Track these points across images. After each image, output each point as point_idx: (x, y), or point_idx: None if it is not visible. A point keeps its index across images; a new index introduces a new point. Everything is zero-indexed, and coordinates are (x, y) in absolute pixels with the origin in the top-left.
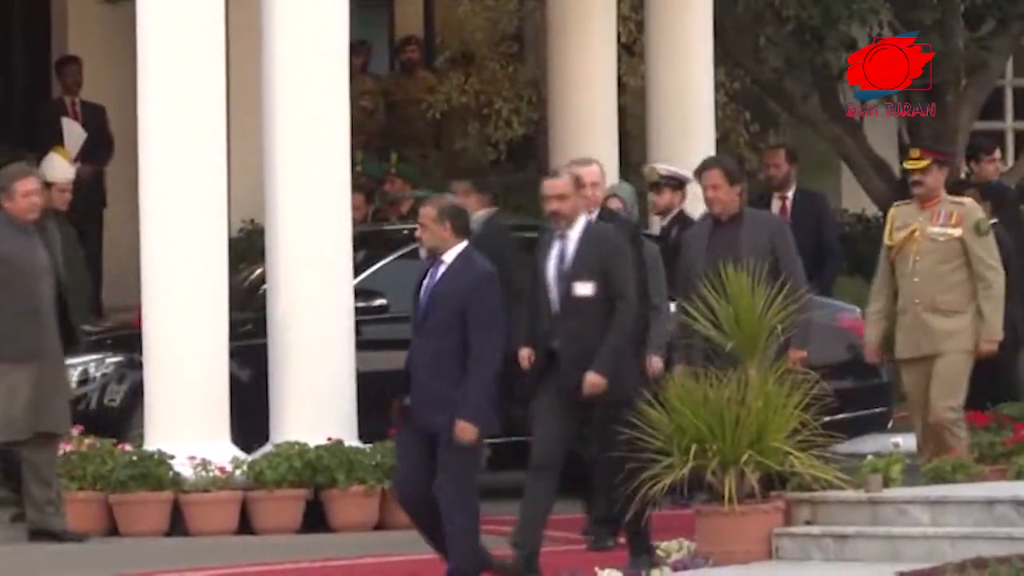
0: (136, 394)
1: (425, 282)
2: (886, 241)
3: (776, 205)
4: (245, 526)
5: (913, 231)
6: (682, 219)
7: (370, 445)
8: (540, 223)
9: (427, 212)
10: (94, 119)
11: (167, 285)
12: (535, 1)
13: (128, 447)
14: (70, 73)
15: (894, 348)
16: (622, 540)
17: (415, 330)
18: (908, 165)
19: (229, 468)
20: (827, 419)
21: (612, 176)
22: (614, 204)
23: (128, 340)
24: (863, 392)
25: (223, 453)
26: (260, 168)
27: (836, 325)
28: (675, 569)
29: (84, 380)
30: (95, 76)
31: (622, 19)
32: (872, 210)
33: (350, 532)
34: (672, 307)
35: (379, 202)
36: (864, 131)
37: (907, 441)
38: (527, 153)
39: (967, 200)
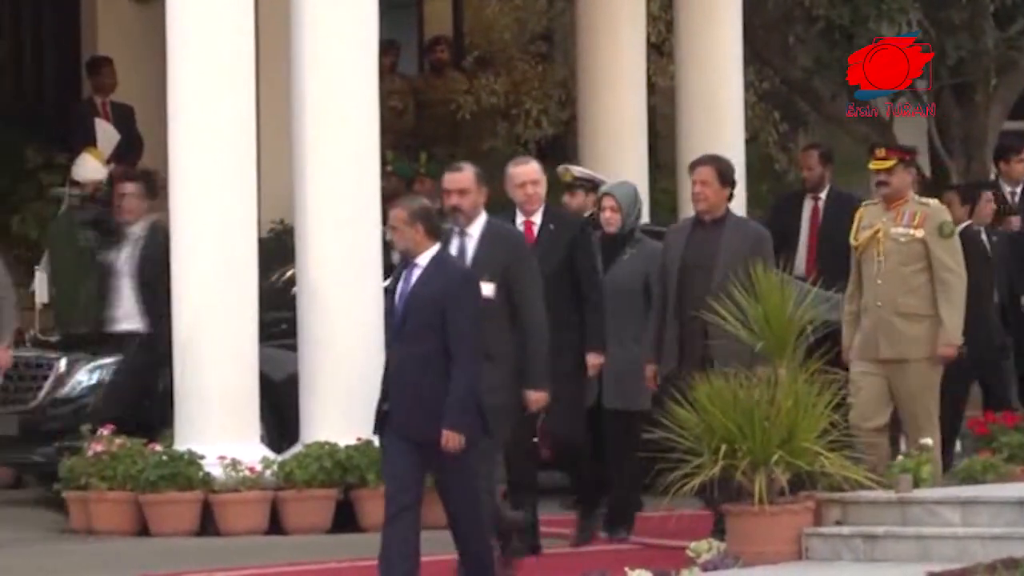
0: (167, 395)
1: (399, 286)
2: (851, 242)
3: (808, 206)
4: (275, 526)
5: (877, 231)
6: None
7: None
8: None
9: (398, 214)
10: (123, 119)
11: (197, 285)
12: (564, 1)
13: (158, 447)
14: (105, 74)
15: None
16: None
17: (394, 336)
18: (873, 165)
19: (259, 468)
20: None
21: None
22: (608, 204)
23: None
24: None
25: (253, 453)
26: (290, 168)
27: None
28: (705, 569)
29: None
30: (123, 76)
31: (652, 19)
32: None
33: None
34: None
35: None
36: (894, 131)
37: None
38: (556, 153)
39: (933, 202)
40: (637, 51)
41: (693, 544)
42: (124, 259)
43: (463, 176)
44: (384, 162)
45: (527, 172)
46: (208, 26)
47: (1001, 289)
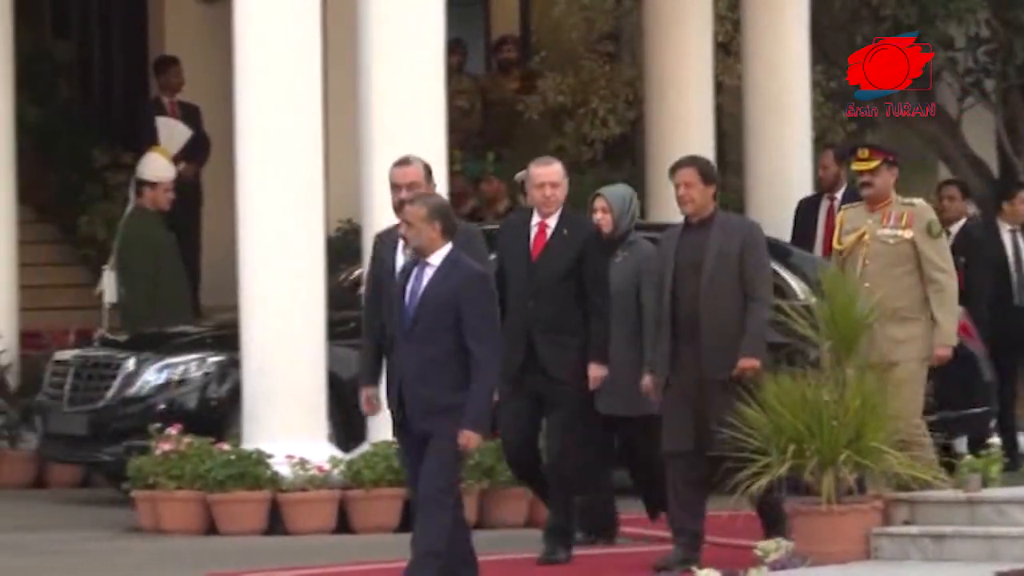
0: (236, 394)
1: (408, 285)
2: (835, 245)
3: (825, 206)
4: (343, 525)
5: (862, 234)
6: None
7: None
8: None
9: (416, 211)
10: (191, 119)
11: (265, 285)
12: (632, 1)
13: (226, 446)
14: (172, 73)
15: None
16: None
17: (401, 335)
18: (856, 166)
19: (327, 467)
20: (927, 418)
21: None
22: (599, 205)
23: (228, 340)
24: (964, 391)
25: (321, 452)
26: (357, 167)
27: None
28: (773, 568)
29: (185, 379)
30: (190, 76)
31: (719, 19)
32: (970, 209)
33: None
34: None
35: (477, 202)
36: (962, 129)
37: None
38: (623, 152)
39: (918, 201)
40: (704, 50)
41: (761, 543)
42: None
43: (411, 169)
44: (452, 161)
45: (548, 173)
46: (275, 25)
47: None
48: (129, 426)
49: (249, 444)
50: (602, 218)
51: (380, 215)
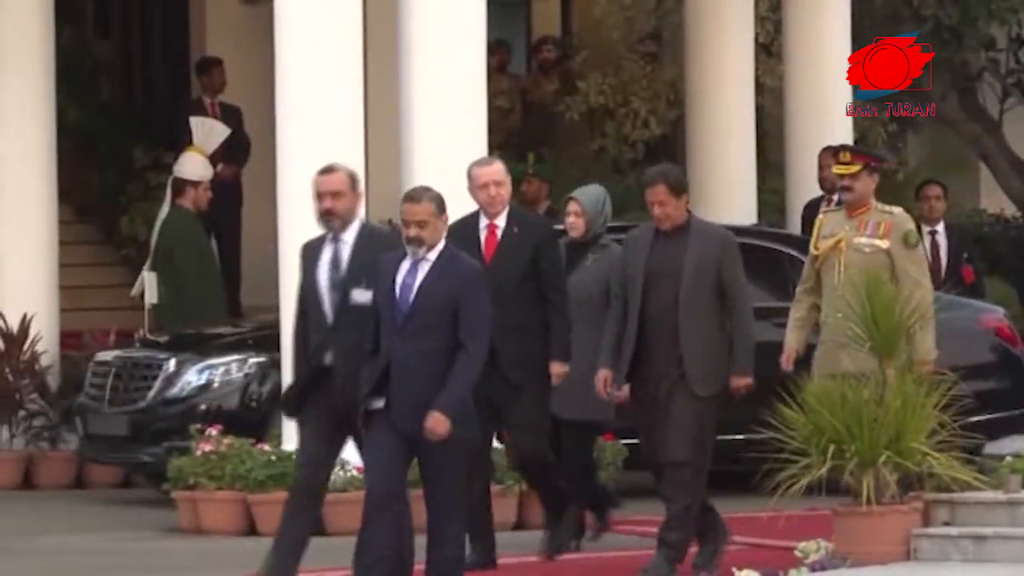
0: (276, 394)
1: (400, 280)
2: (811, 251)
3: (825, 207)
4: None
5: (839, 241)
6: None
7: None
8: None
9: (426, 208)
10: (231, 120)
11: None
12: (673, 0)
13: (267, 447)
14: (215, 74)
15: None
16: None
17: (395, 331)
18: (836, 169)
19: None
20: (967, 420)
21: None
22: (572, 209)
23: (269, 340)
24: (1005, 393)
25: None
26: (398, 168)
27: (977, 326)
28: (813, 569)
29: (226, 380)
30: (232, 77)
31: (760, 19)
32: (1011, 210)
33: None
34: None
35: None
36: (1003, 130)
37: None
38: (665, 153)
39: (897, 209)
40: (745, 51)
41: (801, 544)
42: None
43: (335, 177)
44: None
45: (490, 173)
46: (316, 26)
47: None
48: (169, 427)
49: (290, 445)
50: (575, 222)
51: None
